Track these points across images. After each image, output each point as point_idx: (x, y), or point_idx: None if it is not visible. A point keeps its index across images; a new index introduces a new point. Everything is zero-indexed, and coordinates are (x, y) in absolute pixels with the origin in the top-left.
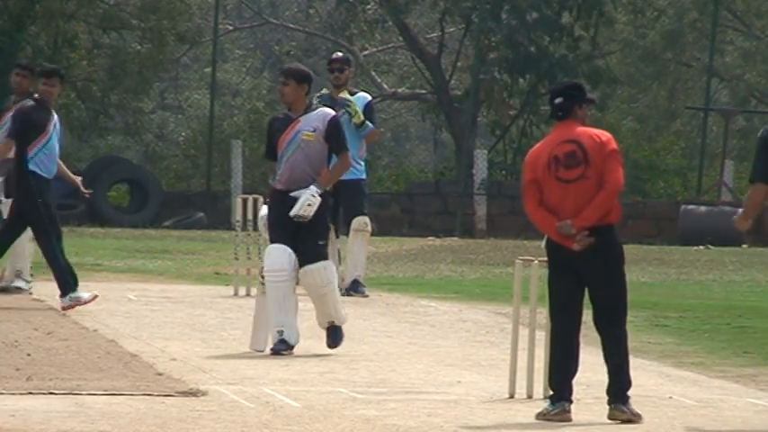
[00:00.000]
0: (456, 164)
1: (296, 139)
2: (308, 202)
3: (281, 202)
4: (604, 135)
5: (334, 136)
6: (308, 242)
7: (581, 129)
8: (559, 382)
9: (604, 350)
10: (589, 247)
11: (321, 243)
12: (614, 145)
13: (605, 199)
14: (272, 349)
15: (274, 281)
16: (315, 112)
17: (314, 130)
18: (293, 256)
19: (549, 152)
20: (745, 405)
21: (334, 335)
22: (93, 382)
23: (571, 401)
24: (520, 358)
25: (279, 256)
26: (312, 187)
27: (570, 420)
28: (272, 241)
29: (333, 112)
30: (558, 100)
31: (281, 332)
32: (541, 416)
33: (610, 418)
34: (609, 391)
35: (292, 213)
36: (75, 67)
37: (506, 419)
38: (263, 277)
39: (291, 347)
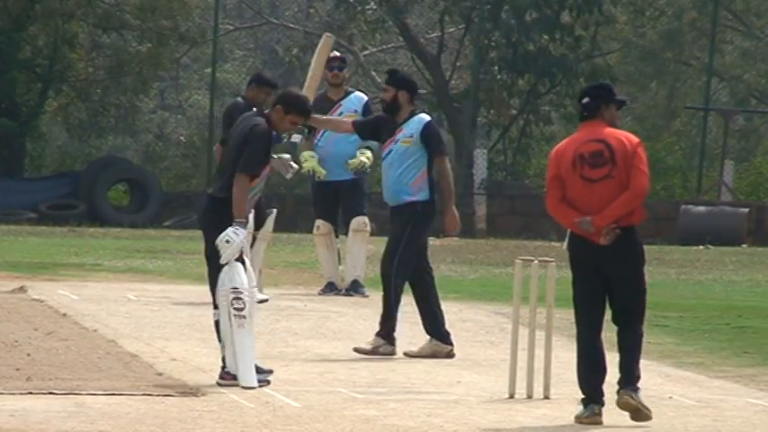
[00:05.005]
0: (456, 164)
1: None
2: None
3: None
4: (632, 137)
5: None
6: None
7: (608, 129)
8: (589, 387)
9: (619, 340)
10: (613, 243)
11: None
12: (641, 148)
13: (628, 200)
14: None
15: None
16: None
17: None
18: None
19: (574, 150)
20: (745, 405)
21: None
22: (93, 382)
23: (602, 404)
24: (520, 358)
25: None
26: None
27: (601, 423)
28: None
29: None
30: (584, 100)
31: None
32: (576, 419)
33: (619, 404)
34: (620, 381)
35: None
36: (75, 66)
37: (506, 419)
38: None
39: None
